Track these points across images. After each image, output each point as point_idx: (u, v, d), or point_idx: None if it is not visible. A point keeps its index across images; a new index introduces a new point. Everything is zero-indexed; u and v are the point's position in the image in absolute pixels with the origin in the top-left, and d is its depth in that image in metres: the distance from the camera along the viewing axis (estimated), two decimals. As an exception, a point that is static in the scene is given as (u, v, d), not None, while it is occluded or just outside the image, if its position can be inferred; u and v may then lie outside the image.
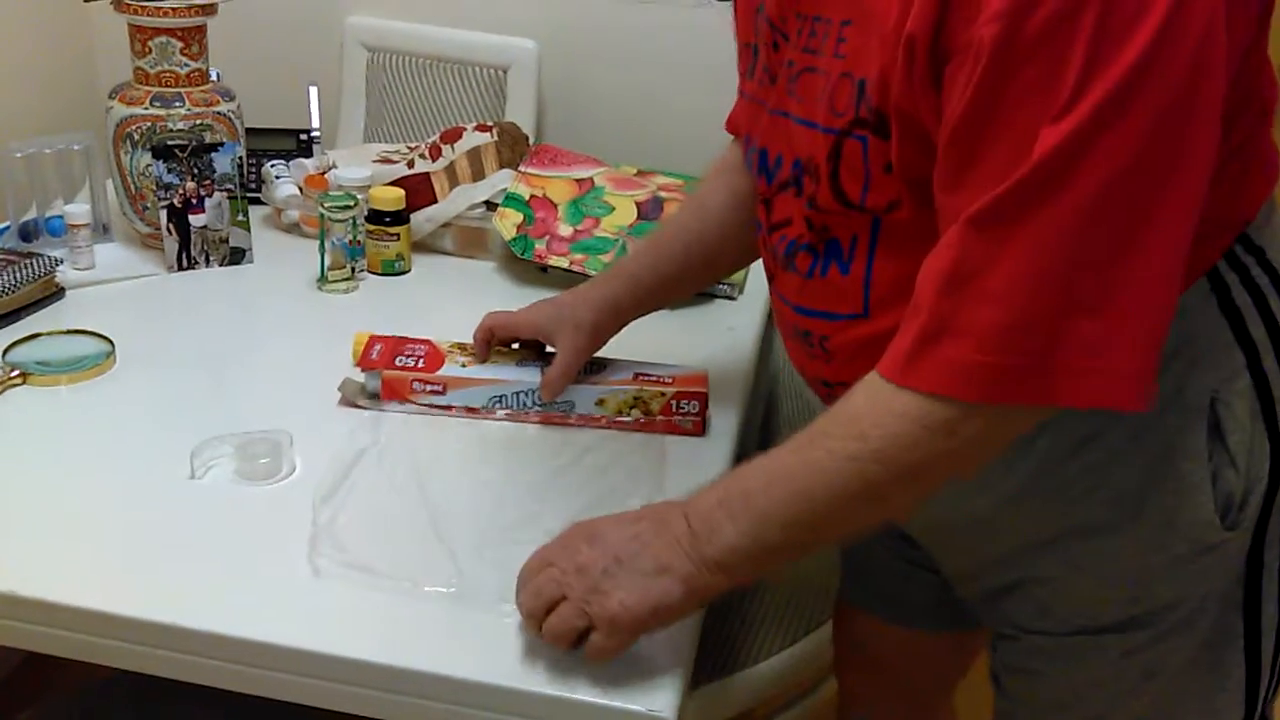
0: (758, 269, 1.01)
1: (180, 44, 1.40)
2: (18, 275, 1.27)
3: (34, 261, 1.30)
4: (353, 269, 1.42)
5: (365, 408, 1.10)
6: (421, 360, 1.11)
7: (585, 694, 0.77)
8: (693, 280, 1.16)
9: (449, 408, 1.09)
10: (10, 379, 1.11)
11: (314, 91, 1.70)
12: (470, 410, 1.09)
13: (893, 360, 0.73)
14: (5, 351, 1.17)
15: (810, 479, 0.75)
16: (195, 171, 1.39)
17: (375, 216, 1.44)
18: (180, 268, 1.43)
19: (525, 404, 1.09)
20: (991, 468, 0.79)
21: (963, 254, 0.69)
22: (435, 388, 1.09)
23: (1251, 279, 0.82)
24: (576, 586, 0.77)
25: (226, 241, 1.44)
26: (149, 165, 1.39)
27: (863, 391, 0.75)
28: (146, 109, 1.41)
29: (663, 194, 1.51)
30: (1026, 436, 0.79)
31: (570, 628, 0.77)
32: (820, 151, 0.80)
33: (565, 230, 1.46)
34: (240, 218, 1.45)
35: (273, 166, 1.61)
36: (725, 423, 1.13)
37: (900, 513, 0.77)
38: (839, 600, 1.30)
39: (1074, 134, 0.65)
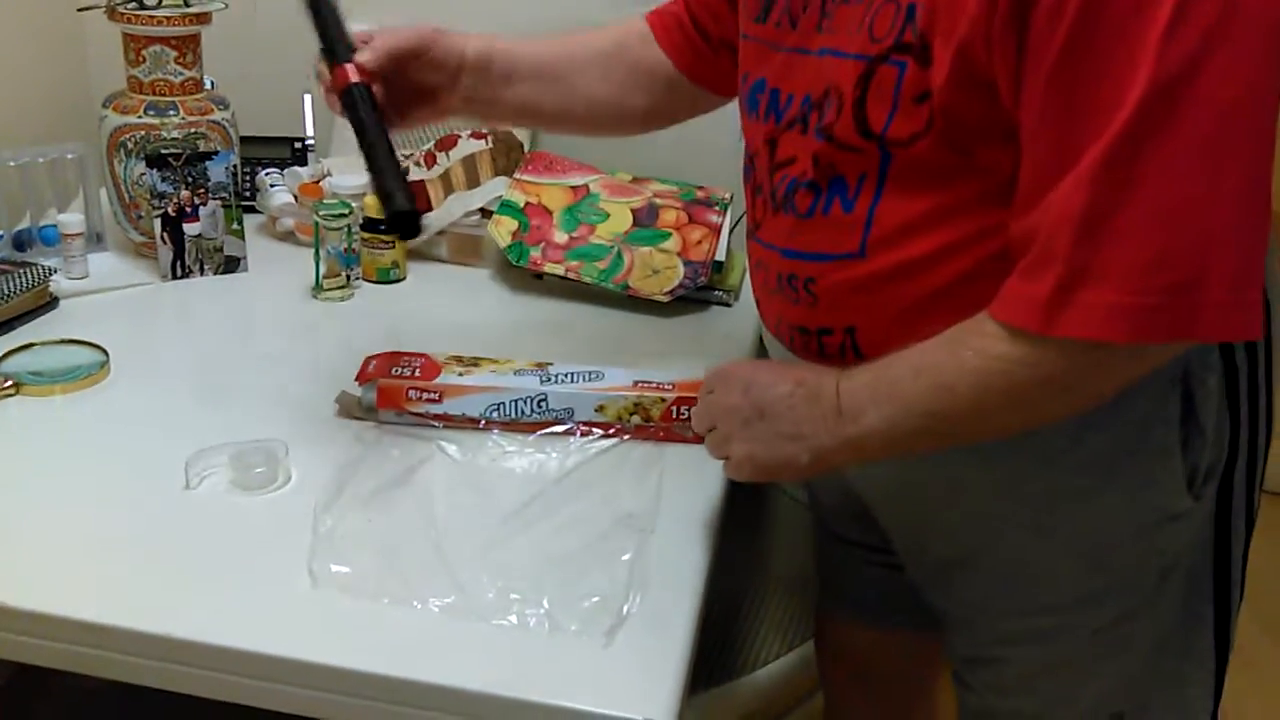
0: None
1: (174, 53, 1.40)
2: (11, 285, 1.26)
3: (28, 271, 1.29)
4: (348, 277, 1.41)
5: (362, 419, 1.09)
6: (418, 370, 1.10)
7: (583, 703, 0.77)
8: (546, 93, 1.12)
9: (445, 416, 1.08)
10: (3, 389, 1.11)
11: (309, 99, 1.69)
12: (467, 419, 1.08)
13: (1030, 310, 0.72)
14: (-1, 361, 1.16)
15: (956, 374, 0.76)
16: (189, 180, 1.39)
17: (370, 224, 1.44)
18: (174, 277, 1.42)
19: (523, 411, 1.08)
20: None
21: (1093, 198, 0.68)
22: (431, 395, 1.08)
23: None
24: (722, 425, 0.88)
25: (221, 250, 1.44)
26: (143, 174, 1.39)
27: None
28: (140, 118, 1.40)
29: (658, 201, 1.51)
30: None
31: (717, 452, 0.90)
32: (848, 79, 0.80)
33: (560, 237, 1.46)
34: (235, 226, 1.44)
35: (267, 175, 1.61)
36: (722, 429, 1.12)
37: (1029, 428, 0.79)
38: (816, 610, 1.30)
39: (1180, 59, 0.64)
